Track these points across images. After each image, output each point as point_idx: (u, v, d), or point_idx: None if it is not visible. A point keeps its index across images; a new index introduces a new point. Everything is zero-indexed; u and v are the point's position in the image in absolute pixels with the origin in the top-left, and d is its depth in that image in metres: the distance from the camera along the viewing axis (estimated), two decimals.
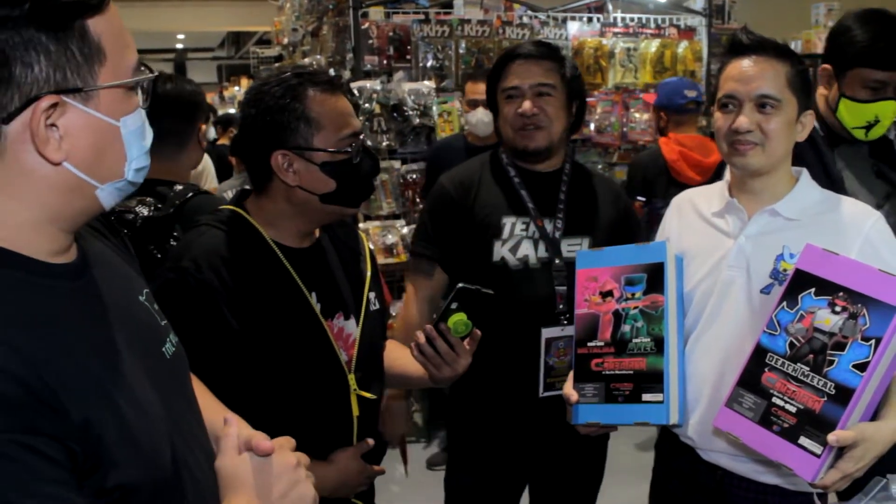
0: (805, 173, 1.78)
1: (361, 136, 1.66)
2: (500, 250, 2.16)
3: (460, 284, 1.63)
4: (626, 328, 1.75)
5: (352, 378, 1.67)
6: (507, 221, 2.18)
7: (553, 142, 2.18)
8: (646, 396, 1.70)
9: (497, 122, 2.24)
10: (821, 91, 2.18)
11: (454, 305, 1.64)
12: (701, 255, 1.79)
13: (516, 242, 2.16)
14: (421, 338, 1.66)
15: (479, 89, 3.72)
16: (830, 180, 2.06)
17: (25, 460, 0.83)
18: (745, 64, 1.70)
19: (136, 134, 1.00)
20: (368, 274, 1.81)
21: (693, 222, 1.86)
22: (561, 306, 2.14)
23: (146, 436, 0.97)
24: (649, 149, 4.23)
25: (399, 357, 1.86)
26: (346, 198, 1.64)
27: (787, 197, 1.73)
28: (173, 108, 2.17)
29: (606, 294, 1.80)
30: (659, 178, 3.78)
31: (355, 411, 1.68)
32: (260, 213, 1.66)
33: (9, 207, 0.93)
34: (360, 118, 4.27)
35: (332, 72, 4.84)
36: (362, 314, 1.74)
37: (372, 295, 1.79)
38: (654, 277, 1.74)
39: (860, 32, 2.09)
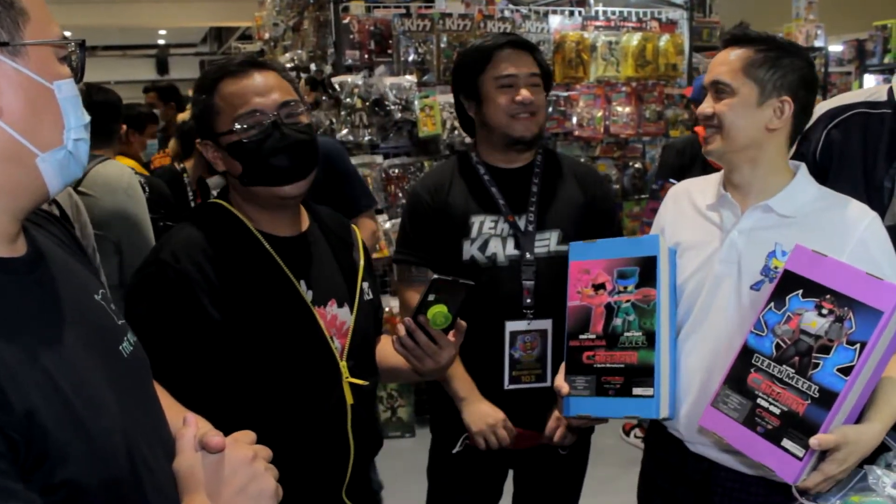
0: (802, 169, 1.75)
1: (277, 112, 1.60)
2: (470, 249, 2.17)
3: (435, 276, 1.62)
4: (617, 321, 1.74)
5: (343, 366, 1.66)
6: (476, 220, 2.19)
7: (541, 130, 2.22)
8: (636, 390, 1.69)
9: (482, 112, 2.20)
10: None
11: (431, 297, 1.62)
12: (693, 248, 1.79)
13: (484, 241, 2.18)
14: (401, 330, 1.65)
15: None
16: (866, 176, 1.91)
17: None
18: (716, 56, 1.76)
19: (72, 102, 0.98)
20: (362, 263, 1.81)
21: (688, 214, 1.85)
22: (528, 300, 2.15)
23: (98, 432, 0.95)
24: (684, 135, 4.45)
25: (389, 351, 1.84)
26: (262, 176, 1.60)
27: (782, 193, 1.71)
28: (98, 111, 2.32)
29: (599, 287, 1.79)
30: (694, 163, 3.81)
31: (349, 399, 1.67)
32: (238, 204, 1.68)
33: None
34: (342, 113, 4.25)
35: (312, 67, 4.82)
36: (356, 303, 1.73)
37: (366, 285, 1.79)
38: (647, 271, 1.74)
39: None
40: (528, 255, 2.16)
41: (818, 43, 7.76)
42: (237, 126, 1.58)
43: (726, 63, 1.70)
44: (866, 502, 1.34)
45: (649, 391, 1.68)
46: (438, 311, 1.64)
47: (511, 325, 2.15)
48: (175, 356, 1.53)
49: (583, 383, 1.77)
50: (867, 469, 1.39)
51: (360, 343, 1.72)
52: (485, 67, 2.18)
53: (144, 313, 1.54)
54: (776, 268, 1.64)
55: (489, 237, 2.17)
